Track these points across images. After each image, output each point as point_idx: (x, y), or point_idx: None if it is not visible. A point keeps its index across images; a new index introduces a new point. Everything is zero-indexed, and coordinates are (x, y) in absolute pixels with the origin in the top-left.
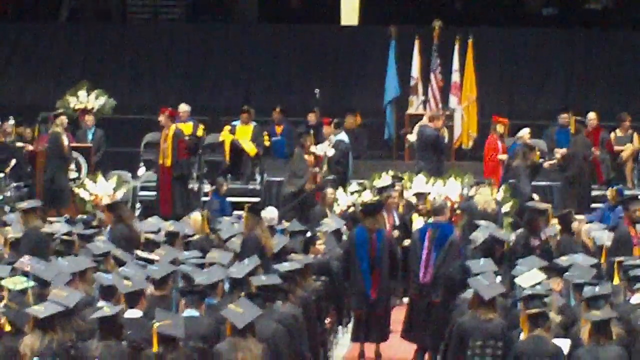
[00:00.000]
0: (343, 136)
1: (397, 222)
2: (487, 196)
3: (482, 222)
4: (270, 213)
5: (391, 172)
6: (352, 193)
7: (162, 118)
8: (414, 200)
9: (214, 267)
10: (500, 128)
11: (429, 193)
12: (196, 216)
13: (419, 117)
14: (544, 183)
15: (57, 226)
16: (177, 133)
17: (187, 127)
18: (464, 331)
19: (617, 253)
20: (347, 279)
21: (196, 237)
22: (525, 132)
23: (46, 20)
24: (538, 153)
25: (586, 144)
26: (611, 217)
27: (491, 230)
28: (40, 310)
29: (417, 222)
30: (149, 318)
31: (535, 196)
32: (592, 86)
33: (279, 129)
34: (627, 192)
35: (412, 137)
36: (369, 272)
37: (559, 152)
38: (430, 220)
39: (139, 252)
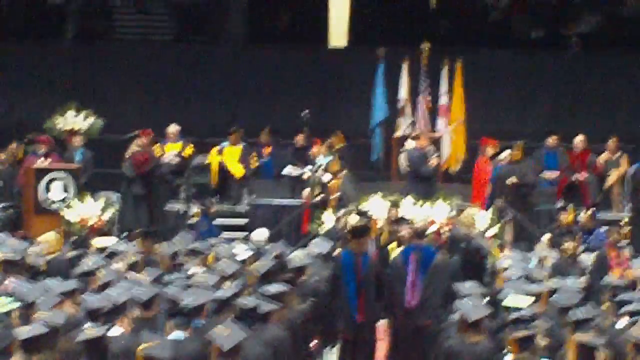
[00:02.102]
0: (332, 158)
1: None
2: (471, 219)
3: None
4: (259, 235)
5: (380, 194)
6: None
7: (144, 140)
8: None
9: (200, 289)
10: (490, 150)
11: (410, 221)
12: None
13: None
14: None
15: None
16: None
17: (176, 147)
18: (451, 355)
19: (596, 275)
20: (334, 302)
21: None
22: (506, 154)
23: (34, 41)
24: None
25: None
26: (590, 240)
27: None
28: (25, 332)
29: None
30: (135, 340)
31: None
32: (580, 108)
33: (267, 150)
34: (610, 215)
35: (402, 165)
36: (356, 296)
37: (548, 175)
38: (414, 243)
39: None
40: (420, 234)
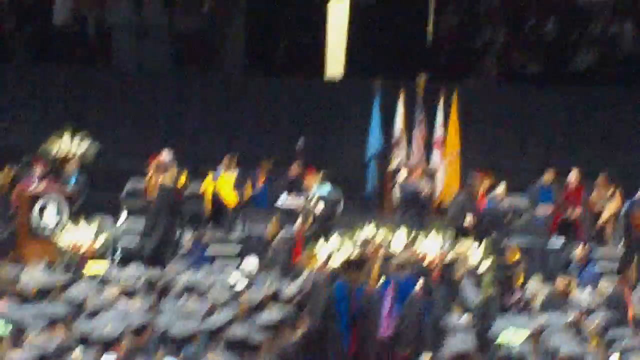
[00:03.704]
0: (328, 188)
1: None
2: (466, 251)
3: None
4: (250, 264)
5: (373, 224)
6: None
7: (150, 164)
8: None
9: (191, 317)
10: (485, 183)
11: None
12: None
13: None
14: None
15: (37, 272)
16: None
17: (170, 174)
18: None
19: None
20: (326, 334)
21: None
22: (500, 190)
23: (31, 62)
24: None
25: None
26: (584, 275)
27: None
28: (16, 356)
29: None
30: None
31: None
32: (576, 143)
33: (261, 180)
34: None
35: (396, 197)
36: (348, 328)
37: (542, 210)
38: (394, 274)
39: None
40: (401, 265)
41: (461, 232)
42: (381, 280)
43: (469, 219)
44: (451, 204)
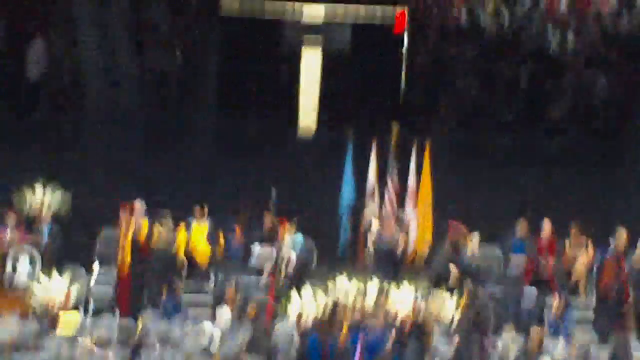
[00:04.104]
0: (300, 239)
1: None
2: (441, 303)
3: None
4: (223, 315)
5: (345, 276)
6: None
7: (121, 213)
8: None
9: None
10: (458, 235)
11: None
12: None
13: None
14: None
15: (10, 324)
16: (135, 229)
17: (143, 224)
18: None
19: None
20: None
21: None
22: (474, 237)
23: (4, 112)
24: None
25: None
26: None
27: None
28: None
29: None
30: None
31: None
32: (549, 194)
33: (238, 232)
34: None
35: (370, 247)
36: None
37: (515, 260)
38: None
39: None
40: (372, 318)
41: (445, 285)
42: (352, 334)
43: (454, 272)
44: (435, 257)
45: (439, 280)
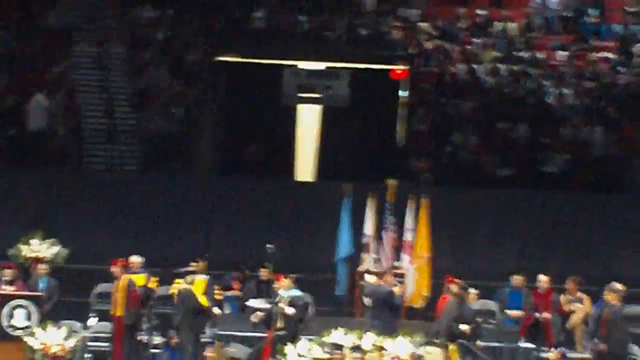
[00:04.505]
0: (297, 293)
1: None
2: (437, 357)
3: None
4: None
5: (341, 329)
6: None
7: (115, 269)
8: None
9: None
10: (455, 289)
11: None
12: None
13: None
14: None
15: None
16: (130, 284)
17: (139, 279)
18: None
19: None
20: None
21: None
22: (472, 293)
23: (1, 167)
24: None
25: None
26: None
27: None
28: None
29: None
30: None
31: None
32: (547, 247)
33: (236, 286)
34: (574, 355)
35: (366, 301)
36: None
37: (512, 313)
38: None
39: None
40: None
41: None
42: None
43: (464, 328)
44: (442, 315)
45: (451, 337)
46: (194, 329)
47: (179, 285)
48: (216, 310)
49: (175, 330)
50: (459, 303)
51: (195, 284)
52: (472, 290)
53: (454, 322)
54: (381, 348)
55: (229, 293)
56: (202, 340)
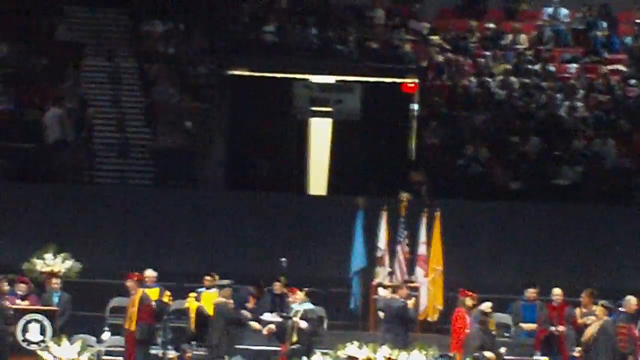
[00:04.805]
0: (310, 307)
1: None
2: None
3: None
4: None
5: (356, 343)
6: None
7: (130, 283)
8: None
9: None
10: (469, 302)
11: None
12: None
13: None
14: None
15: None
16: (144, 297)
17: (153, 293)
18: None
19: None
20: None
21: None
22: (486, 307)
23: (13, 181)
24: (493, 320)
25: None
26: None
27: None
28: None
29: None
30: None
31: None
32: (559, 260)
33: (252, 300)
34: None
35: (380, 314)
36: None
37: (526, 327)
38: None
39: None
40: None
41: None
42: None
43: (489, 356)
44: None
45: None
46: (232, 341)
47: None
48: (255, 324)
49: (187, 344)
50: (482, 330)
51: (205, 297)
52: (487, 303)
53: (479, 350)
54: None
55: None
56: None
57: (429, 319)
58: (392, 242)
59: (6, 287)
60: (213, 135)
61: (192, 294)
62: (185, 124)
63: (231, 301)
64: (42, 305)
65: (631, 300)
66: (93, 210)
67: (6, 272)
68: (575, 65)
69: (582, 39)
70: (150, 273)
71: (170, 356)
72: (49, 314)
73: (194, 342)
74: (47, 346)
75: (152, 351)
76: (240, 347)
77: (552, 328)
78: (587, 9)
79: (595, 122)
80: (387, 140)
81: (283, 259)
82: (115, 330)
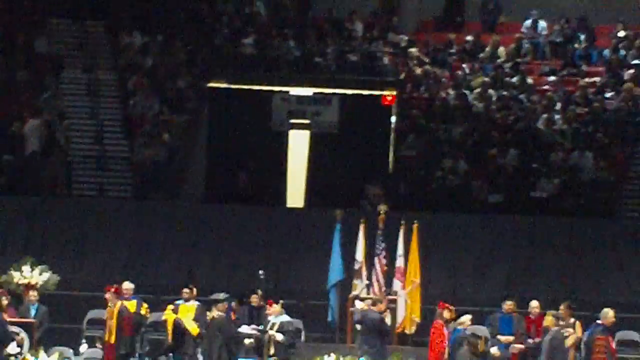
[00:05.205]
0: (287, 319)
1: None
2: None
3: None
4: None
5: (333, 355)
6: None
7: (108, 295)
8: None
9: None
10: (447, 314)
11: None
12: None
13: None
14: None
15: None
16: (123, 310)
17: (131, 305)
18: None
19: None
20: None
21: None
22: (466, 319)
23: None
24: (482, 342)
25: None
26: None
27: None
28: None
29: None
30: None
31: None
32: (536, 273)
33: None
34: None
35: (357, 327)
36: None
37: (503, 339)
38: None
39: None
40: None
41: None
42: None
43: None
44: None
45: None
46: (231, 356)
47: (211, 314)
48: (247, 341)
49: (165, 357)
50: (473, 353)
51: (182, 309)
52: (467, 316)
53: None
54: None
55: None
56: None
57: (406, 331)
58: (370, 255)
59: (5, 301)
60: (192, 147)
61: (170, 306)
62: (163, 136)
63: (224, 315)
64: (20, 318)
65: (609, 312)
66: (71, 222)
67: None
68: (553, 77)
69: (560, 51)
70: (127, 285)
71: None
72: (26, 327)
73: (171, 354)
74: (24, 358)
75: None
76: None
77: (530, 340)
78: (566, 22)
79: (573, 134)
80: (366, 152)
81: (261, 272)
82: (93, 343)
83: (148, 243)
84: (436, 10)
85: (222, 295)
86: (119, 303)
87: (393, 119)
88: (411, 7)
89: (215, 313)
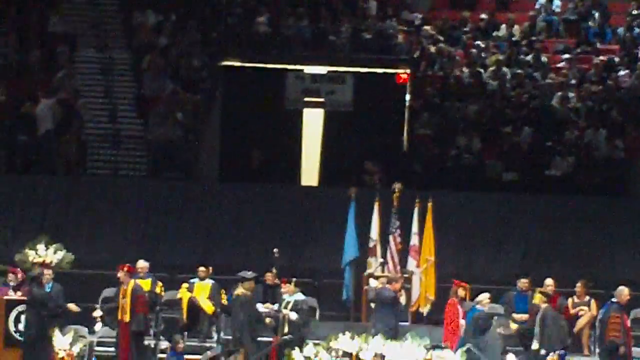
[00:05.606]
0: (302, 298)
1: None
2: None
3: None
4: None
5: (348, 334)
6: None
7: (120, 274)
8: None
9: None
10: (461, 292)
11: None
12: None
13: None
14: None
15: None
16: (136, 289)
17: (145, 283)
18: None
19: None
20: None
21: None
22: (484, 297)
23: (5, 174)
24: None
25: None
26: None
27: None
28: None
29: None
30: None
31: None
32: (551, 251)
33: None
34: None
35: (371, 305)
36: None
37: (518, 317)
38: None
39: None
40: None
41: None
42: None
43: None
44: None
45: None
46: (254, 334)
47: (237, 291)
48: (267, 320)
49: (179, 335)
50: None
51: (197, 288)
52: (485, 294)
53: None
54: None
55: None
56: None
57: (421, 309)
58: (385, 233)
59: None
60: (206, 126)
61: (185, 285)
62: (177, 115)
63: (250, 294)
64: (34, 296)
65: (624, 290)
66: (85, 201)
67: None
68: (567, 55)
69: (574, 29)
70: (142, 264)
71: (162, 347)
72: (40, 305)
73: (185, 333)
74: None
75: (145, 342)
76: (227, 337)
77: None
78: (580, 0)
79: (587, 112)
80: (380, 130)
81: (275, 250)
82: (107, 320)
83: (162, 221)
84: None
85: (249, 274)
86: (131, 282)
87: (407, 97)
88: None
89: (240, 290)
